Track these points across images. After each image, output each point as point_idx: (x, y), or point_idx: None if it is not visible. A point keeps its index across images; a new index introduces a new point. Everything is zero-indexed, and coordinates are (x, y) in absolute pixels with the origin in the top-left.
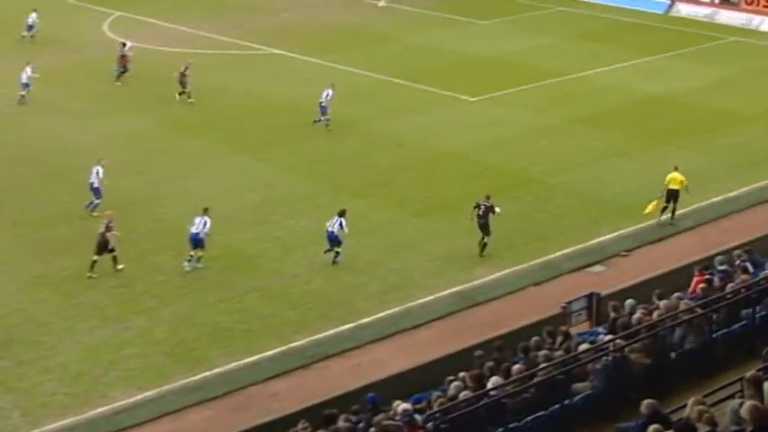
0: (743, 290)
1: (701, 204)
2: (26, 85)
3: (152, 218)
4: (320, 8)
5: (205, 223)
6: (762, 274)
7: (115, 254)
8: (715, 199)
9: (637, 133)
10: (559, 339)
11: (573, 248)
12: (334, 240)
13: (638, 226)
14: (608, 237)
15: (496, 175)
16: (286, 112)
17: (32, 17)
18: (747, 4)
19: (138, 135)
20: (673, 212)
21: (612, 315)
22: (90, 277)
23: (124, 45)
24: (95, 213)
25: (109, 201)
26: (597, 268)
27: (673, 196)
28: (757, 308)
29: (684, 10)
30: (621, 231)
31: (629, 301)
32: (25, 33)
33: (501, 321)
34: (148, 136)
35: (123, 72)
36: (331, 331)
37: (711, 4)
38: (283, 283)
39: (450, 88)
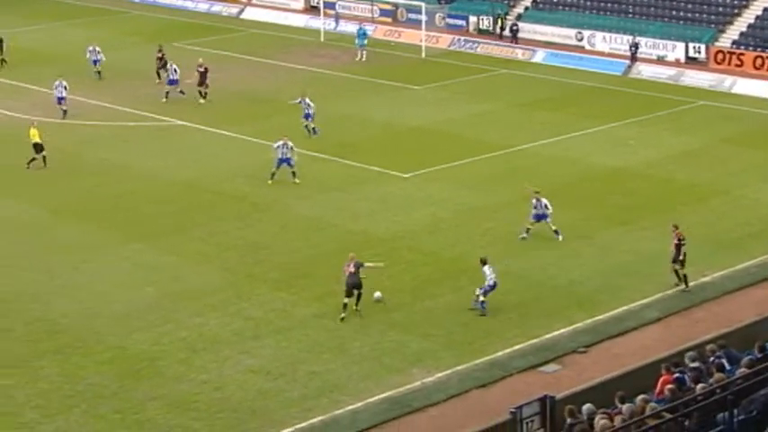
0: (718, 390)
1: (668, 292)
2: None
3: (30, 317)
4: (228, 72)
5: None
6: (738, 372)
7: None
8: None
9: (594, 212)
10: None
11: (523, 345)
12: None
13: (597, 318)
14: (563, 331)
15: (434, 262)
16: (193, 193)
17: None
18: (717, 63)
19: (9, 222)
20: None
21: (569, 421)
22: (342, 319)
23: None
24: None
25: None
26: (551, 367)
27: None
28: (735, 411)
29: (646, 71)
30: (578, 324)
31: (587, 406)
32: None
33: (441, 431)
34: (23, 223)
35: None
36: None
37: (676, 64)
38: (189, 389)
39: (379, 164)
